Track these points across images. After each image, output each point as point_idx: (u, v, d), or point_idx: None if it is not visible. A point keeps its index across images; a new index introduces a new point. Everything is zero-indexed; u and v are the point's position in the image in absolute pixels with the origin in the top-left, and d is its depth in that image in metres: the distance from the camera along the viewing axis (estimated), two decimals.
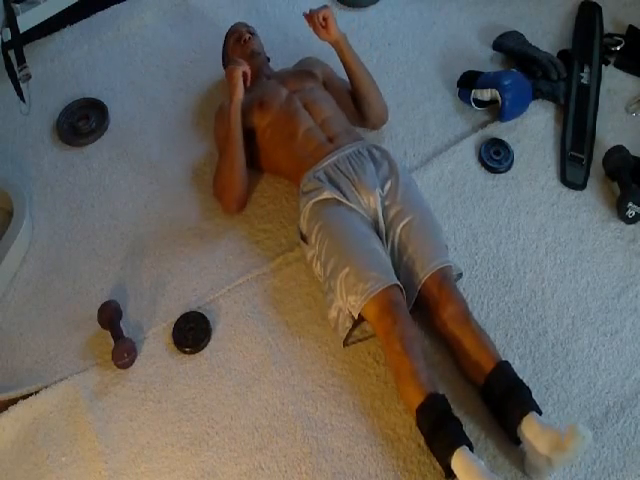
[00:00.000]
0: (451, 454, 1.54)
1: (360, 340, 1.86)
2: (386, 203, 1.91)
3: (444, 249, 1.87)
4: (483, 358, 1.71)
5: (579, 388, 1.79)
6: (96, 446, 1.74)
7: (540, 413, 1.61)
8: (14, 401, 1.81)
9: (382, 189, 1.92)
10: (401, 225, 1.88)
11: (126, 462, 1.72)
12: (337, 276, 1.79)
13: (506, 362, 1.71)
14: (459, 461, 1.53)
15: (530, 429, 1.57)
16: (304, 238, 1.96)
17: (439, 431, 1.60)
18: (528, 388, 1.66)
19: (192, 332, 1.89)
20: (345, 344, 1.84)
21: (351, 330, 1.81)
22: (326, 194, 1.90)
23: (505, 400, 1.64)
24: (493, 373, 1.68)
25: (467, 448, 1.55)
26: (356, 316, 1.77)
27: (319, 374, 1.83)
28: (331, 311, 1.84)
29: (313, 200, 1.91)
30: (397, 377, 1.71)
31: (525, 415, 1.59)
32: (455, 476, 1.54)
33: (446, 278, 1.81)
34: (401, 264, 1.85)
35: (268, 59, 2.37)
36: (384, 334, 1.71)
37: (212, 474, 1.69)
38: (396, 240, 1.88)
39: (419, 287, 1.80)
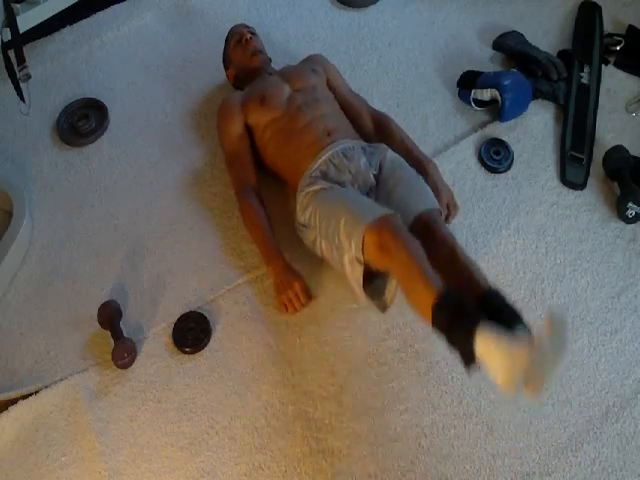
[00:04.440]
0: (474, 335, 1.45)
1: (380, 280, 1.80)
2: (380, 177, 1.97)
3: (431, 196, 1.90)
4: (473, 286, 1.67)
5: (579, 388, 1.79)
6: (96, 446, 1.74)
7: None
8: (14, 401, 1.81)
9: (375, 169, 1.98)
10: (390, 182, 1.93)
11: (126, 462, 1.72)
12: (338, 231, 1.78)
13: (496, 291, 1.65)
14: (483, 339, 1.44)
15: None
16: (304, 227, 1.96)
17: (459, 319, 1.51)
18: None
19: (192, 332, 1.89)
20: (364, 296, 1.80)
21: (365, 283, 1.77)
22: (321, 184, 1.93)
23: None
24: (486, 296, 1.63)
25: (489, 323, 1.46)
26: (361, 255, 1.72)
27: (319, 374, 1.83)
28: (346, 267, 1.80)
29: (307, 190, 1.93)
30: (407, 285, 1.65)
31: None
32: (477, 361, 1.46)
33: (432, 219, 1.82)
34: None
35: (270, 60, 2.36)
36: (388, 253, 1.66)
37: (212, 474, 1.70)
38: (384, 194, 1.92)
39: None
